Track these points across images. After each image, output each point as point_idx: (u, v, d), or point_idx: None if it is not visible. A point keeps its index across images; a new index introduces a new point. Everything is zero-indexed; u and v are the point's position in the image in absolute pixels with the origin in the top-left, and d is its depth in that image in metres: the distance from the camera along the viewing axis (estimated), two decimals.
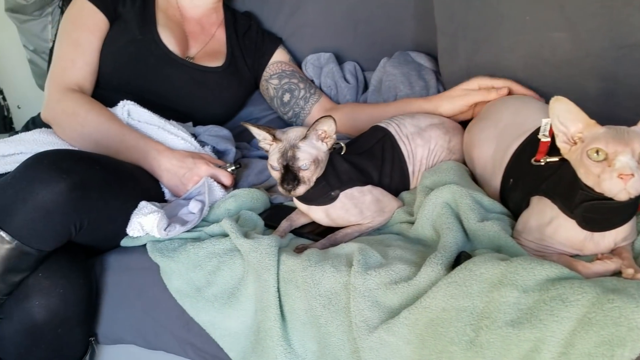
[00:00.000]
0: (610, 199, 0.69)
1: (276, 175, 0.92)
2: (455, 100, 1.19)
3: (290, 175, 0.90)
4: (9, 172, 1.12)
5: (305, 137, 0.90)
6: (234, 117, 1.55)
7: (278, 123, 1.52)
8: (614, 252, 0.77)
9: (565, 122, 0.74)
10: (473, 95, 1.17)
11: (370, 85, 1.48)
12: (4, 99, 2.63)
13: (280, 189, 0.92)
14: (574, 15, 1.08)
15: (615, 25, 1.05)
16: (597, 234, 0.76)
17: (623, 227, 0.76)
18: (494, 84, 1.15)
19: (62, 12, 2.03)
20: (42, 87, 2.26)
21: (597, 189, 0.70)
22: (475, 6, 1.19)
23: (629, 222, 0.76)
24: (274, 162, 0.91)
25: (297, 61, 1.57)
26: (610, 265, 0.73)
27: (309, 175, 0.91)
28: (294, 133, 0.92)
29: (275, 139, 0.92)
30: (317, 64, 1.53)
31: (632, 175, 0.66)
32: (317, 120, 0.89)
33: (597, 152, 0.69)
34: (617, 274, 0.74)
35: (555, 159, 0.79)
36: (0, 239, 0.88)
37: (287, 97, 1.46)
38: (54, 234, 0.92)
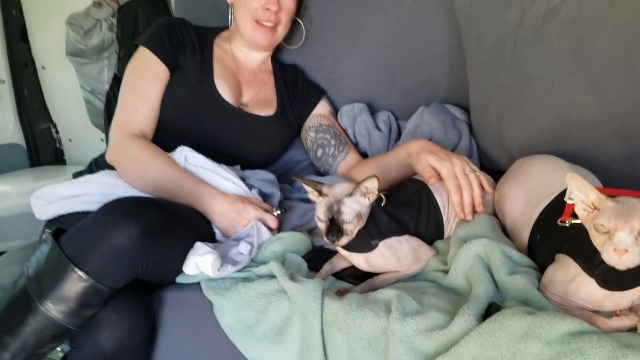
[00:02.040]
0: None
1: (322, 226, 1.01)
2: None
3: (334, 227, 0.99)
4: (76, 212, 1.25)
5: (350, 194, 1.00)
6: (279, 160, 1.67)
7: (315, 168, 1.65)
8: (631, 309, 0.83)
9: (584, 192, 0.82)
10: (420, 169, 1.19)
11: (404, 130, 1.57)
12: (57, 132, 2.84)
13: (325, 238, 1.01)
14: (600, 81, 1.16)
15: (639, 91, 1.13)
16: (615, 293, 0.83)
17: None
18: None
19: (118, 57, 2.21)
20: (96, 125, 2.45)
21: (602, 257, 0.78)
22: (506, 68, 1.28)
23: None
24: (321, 215, 1.01)
25: (337, 109, 1.69)
26: (627, 322, 0.80)
27: (352, 228, 1.00)
28: (339, 189, 1.01)
29: (321, 194, 1.02)
30: (351, 114, 1.64)
31: (627, 250, 0.74)
32: (363, 180, 0.99)
33: (601, 226, 0.77)
34: (633, 330, 0.80)
35: (579, 221, 0.86)
36: (78, 277, 0.97)
37: (319, 152, 1.58)
38: (124, 274, 1.01)
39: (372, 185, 1.00)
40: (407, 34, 1.57)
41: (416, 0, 1.54)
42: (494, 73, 1.31)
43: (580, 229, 0.86)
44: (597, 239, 0.79)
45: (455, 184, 1.12)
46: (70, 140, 2.83)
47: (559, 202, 0.94)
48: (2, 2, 2.66)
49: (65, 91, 2.71)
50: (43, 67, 2.75)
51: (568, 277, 0.87)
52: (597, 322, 0.81)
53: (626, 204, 0.78)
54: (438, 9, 1.50)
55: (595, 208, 0.82)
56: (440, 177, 1.14)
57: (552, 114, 1.22)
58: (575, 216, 0.87)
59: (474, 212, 1.13)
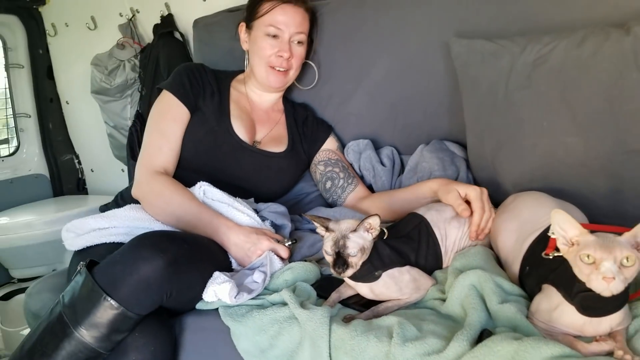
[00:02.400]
0: None
1: (329, 259, 1.10)
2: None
3: (340, 260, 1.07)
4: (104, 243, 1.35)
5: (355, 230, 1.09)
6: (289, 192, 1.76)
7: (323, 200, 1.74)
8: (610, 335, 0.91)
9: (565, 228, 0.91)
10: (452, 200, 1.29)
11: (406, 166, 1.65)
12: (80, 163, 2.94)
13: (331, 270, 1.10)
14: (585, 123, 1.25)
15: (620, 133, 1.21)
16: (594, 319, 0.90)
17: (617, 314, 0.90)
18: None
19: (141, 96, 2.32)
20: (118, 157, 2.57)
21: (588, 285, 0.85)
22: (499, 110, 1.37)
23: (622, 309, 0.90)
24: (328, 249, 1.09)
25: (344, 143, 1.78)
26: (605, 346, 0.87)
27: (356, 260, 1.08)
28: (345, 225, 1.10)
29: (328, 229, 1.12)
30: (356, 149, 1.73)
31: (614, 278, 0.82)
32: (366, 217, 1.08)
33: (587, 256, 0.85)
34: (611, 354, 0.87)
35: (561, 254, 0.94)
36: (110, 305, 1.05)
37: (328, 184, 1.67)
38: (151, 302, 1.09)
39: (375, 222, 1.09)
40: (409, 77, 1.65)
41: (417, 47, 1.62)
42: (488, 115, 1.39)
43: (562, 261, 0.93)
44: (583, 269, 0.86)
45: (480, 207, 1.23)
46: (92, 170, 2.92)
47: (544, 237, 1.02)
48: (29, 42, 2.79)
49: (88, 124, 2.81)
50: (67, 102, 2.86)
51: (552, 305, 0.95)
52: (578, 347, 0.88)
53: (606, 238, 0.86)
54: (437, 56, 1.58)
55: (573, 243, 0.90)
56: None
57: (542, 154, 1.30)
58: (558, 249, 0.94)
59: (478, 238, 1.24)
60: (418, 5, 1.62)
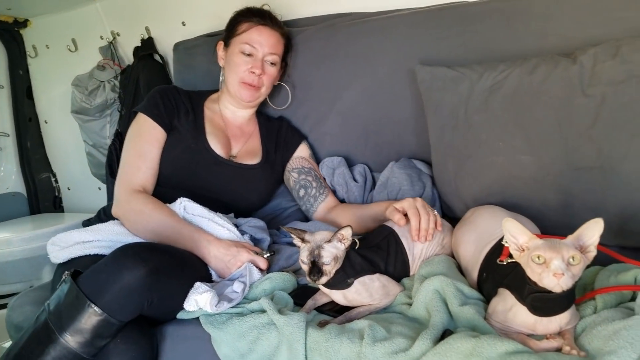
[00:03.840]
0: (549, 291, 0.93)
1: (305, 267, 1.17)
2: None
3: (315, 268, 1.14)
4: (87, 254, 1.39)
5: (329, 240, 1.17)
6: (267, 204, 1.83)
7: (301, 213, 1.81)
8: (560, 334, 0.99)
9: (515, 235, 1.00)
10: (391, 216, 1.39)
11: (378, 182, 1.73)
12: (57, 181, 2.94)
13: (307, 278, 1.17)
14: (537, 143, 1.34)
15: (569, 152, 1.31)
16: (544, 319, 0.99)
17: (565, 314, 0.99)
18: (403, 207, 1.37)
19: (120, 115, 2.37)
20: (96, 175, 2.59)
21: (540, 284, 0.94)
22: (460, 131, 1.46)
23: (569, 310, 0.99)
24: (304, 258, 1.17)
25: (318, 160, 1.86)
26: (554, 343, 0.96)
27: (330, 269, 1.16)
28: (320, 236, 1.18)
29: (304, 240, 1.20)
30: (330, 165, 1.81)
31: (563, 274, 0.91)
32: (339, 228, 1.17)
33: (538, 257, 0.93)
34: (560, 350, 0.95)
35: (513, 260, 1.03)
36: (94, 312, 1.09)
37: (302, 192, 1.74)
38: (132, 309, 1.13)
39: (347, 233, 1.18)
40: (378, 100, 1.74)
41: (386, 73, 1.71)
42: (450, 135, 1.48)
43: (515, 267, 1.02)
44: (535, 269, 0.93)
45: (414, 213, 1.32)
46: (68, 188, 2.90)
47: (499, 246, 1.11)
48: (10, 63, 2.80)
49: (65, 143, 2.83)
50: (46, 122, 2.87)
51: (507, 307, 1.03)
52: (530, 344, 0.97)
53: (553, 241, 0.95)
54: (404, 81, 1.67)
55: (523, 249, 1.00)
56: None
57: (499, 171, 1.39)
58: (511, 256, 1.03)
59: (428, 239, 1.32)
60: (386, 35, 1.72)
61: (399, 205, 1.37)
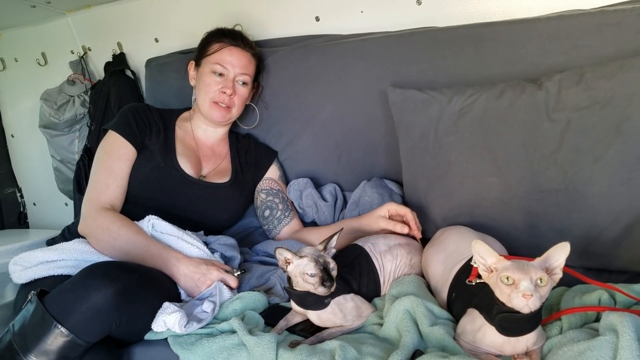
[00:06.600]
0: (517, 311, 0.95)
1: (316, 279, 1.13)
2: (373, 223, 1.51)
3: (326, 275, 1.14)
4: (52, 275, 1.35)
5: (325, 249, 1.19)
6: (238, 223, 1.82)
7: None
8: (527, 354, 1.01)
9: (484, 257, 1.03)
10: (383, 223, 1.48)
11: (350, 200, 1.75)
12: (22, 196, 2.86)
13: (321, 288, 1.14)
14: (504, 166, 1.38)
15: (535, 175, 1.35)
16: (512, 339, 1.00)
17: (531, 334, 1.00)
18: (398, 210, 1.47)
19: (90, 131, 2.33)
20: (63, 191, 2.54)
21: (509, 304, 0.96)
22: (430, 153, 1.50)
23: (535, 330, 1.01)
24: (313, 270, 1.14)
25: (288, 179, 1.87)
26: None
27: (335, 274, 1.17)
28: (309, 250, 1.18)
29: (301, 257, 1.17)
30: (297, 188, 1.82)
31: (532, 295, 0.93)
32: (330, 236, 1.20)
33: (507, 278, 0.96)
34: None
35: (482, 280, 1.05)
36: (60, 333, 1.06)
37: (267, 213, 1.76)
38: (100, 330, 1.10)
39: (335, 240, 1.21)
40: (350, 120, 1.77)
41: (358, 94, 1.75)
42: (421, 156, 1.51)
43: (484, 287, 1.04)
44: (504, 290, 0.95)
45: (408, 210, 1.45)
46: (34, 204, 2.84)
47: (468, 266, 1.14)
48: None
49: (32, 158, 2.77)
50: (12, 136, 2.80)
51: (475, 327, 1.05)
52: None
53: (520, 262, 0.98)
54: (376, 102, 1.70)
55: (492, 270, 1.02)
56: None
57: (467, 192, 1.42)
58: (479, 276, 1.06)
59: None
60: (358, 57, 1.75)
61: (382, 212, 1.47)
